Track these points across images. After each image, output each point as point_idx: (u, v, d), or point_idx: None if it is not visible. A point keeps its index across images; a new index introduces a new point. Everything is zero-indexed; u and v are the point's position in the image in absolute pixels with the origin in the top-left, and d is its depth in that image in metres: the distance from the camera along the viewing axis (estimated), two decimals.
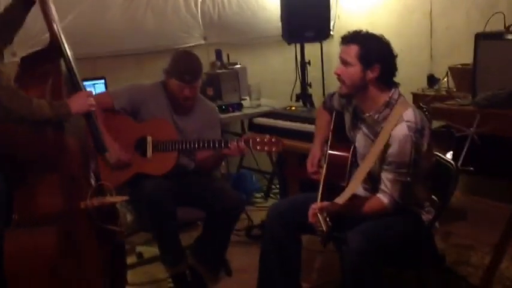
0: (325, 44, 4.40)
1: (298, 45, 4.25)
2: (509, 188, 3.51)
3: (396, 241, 2.03)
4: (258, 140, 2.57)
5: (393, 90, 2.10)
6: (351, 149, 2.21)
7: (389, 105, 2.08)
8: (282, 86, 4.51)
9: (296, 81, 4.37)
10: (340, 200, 1.94)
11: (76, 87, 2.08)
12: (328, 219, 1.82)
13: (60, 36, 2.04)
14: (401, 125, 2.00)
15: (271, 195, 4.22)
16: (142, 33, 3.81)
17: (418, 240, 2.11)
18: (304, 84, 4.25)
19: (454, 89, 3.81)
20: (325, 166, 2.23)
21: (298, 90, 4.38)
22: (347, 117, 2.29)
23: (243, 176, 4.22)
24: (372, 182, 2.12)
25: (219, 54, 4.02)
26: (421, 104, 3.62)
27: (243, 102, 3.86)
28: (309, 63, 4.26)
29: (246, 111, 3.64)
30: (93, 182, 2.14)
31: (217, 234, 2.71)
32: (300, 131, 3.20)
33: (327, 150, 2.27)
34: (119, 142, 2.60)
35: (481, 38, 3.30)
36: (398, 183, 2.01)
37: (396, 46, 4.30)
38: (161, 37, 3.91)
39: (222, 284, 2.86)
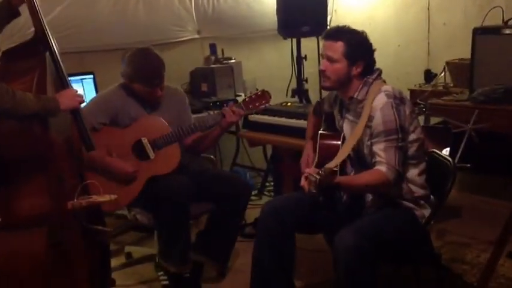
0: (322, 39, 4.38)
1: (294, 40, 4.22)
2: (505, 184, 3.51)
3: (391, 238, 2.02)
4: (247, 100, 2.70)
5: (371, 74, 2.17)
6: (341, 137, 2.27)
7: (366, 83, 2.14)
8: (277, 81, 4.48)
9: (292, 76, 4.35)
10: (332, 164, 1.93)
11: (63, 83, 2.05)
12: (320, 171, 1.81)
13: (46, 30, 2.01)
14: (379, 95, 2.08)
15: (266, 192, 4.21)
16: (133, 27, 3.76)
17: (413, 237, 2.10)
18: (300, 79, 4.22)
19: (451, 85, 3.80)
20: (316, 155, 2.27)
21: (294, 85, 4.36)
22: (335, 112, 2.35)
23: (236, 174, 4.20)
24: (362, 164, 2.14)
25: (213, 48, 4.00)
26: (418, 101, 3.62)
27: (238, 97, 3.84)
28: (305, 58, 4.24)
29: None
30: (79, 181, 2.11)
31: (226, 224, 2.71)
32: (295, 128, 3.19)
33: (318, 140, 2.32)
34: (115, 155, 2.58)
35: (478, 33, 3.30)
36: (391, 150, 2.02)
37: (393, 41, 4.40)
38: (153, 31, 3.86)
39: (216, 284, 2.84)
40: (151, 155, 2.64)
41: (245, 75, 4.08)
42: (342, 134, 2.27)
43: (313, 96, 4.42)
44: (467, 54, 3.80)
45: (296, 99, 4.09)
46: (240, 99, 3.79)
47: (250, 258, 3.02)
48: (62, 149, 2.04)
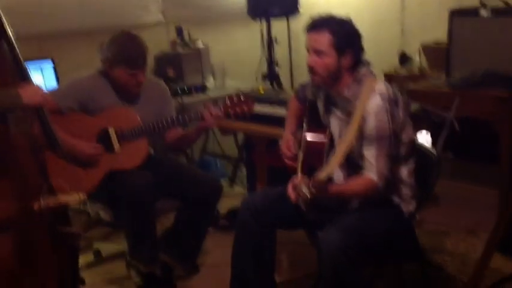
0: (292, 20, 4.29)
1: (264, 22, 4.13)
2: (482, 170, 3.53)
3: (377, 237, 1.99)
4: (227, 103, 2.53)
5: (362, 67, 2.08)
6: (327, 133, 2.19)
7: (357, 79, 2.05)
8: (247, 65, 4.39)
9: (262, 59, 4.26)
10: (322, 174, 1.84)
11: (24, 76, 1.91)
12: (311, 185, 1.74)
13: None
14: (374, 97, 1.98)
15: (237, 181, 4.14)
16: (94, 11, 3.61)
17: (399, 234, 2.07)
18: (271, 63, 4.15)
19: (427, 68, 3.79)
20: (301, 153, 2.19)
21: (264, 69, 4.28)
22: (320, 104, 2.25)
23: (206, 163, 4.12)
24: (353, 167, 2.08)
25: (180, 31, 3.87)
26: (393, 85, 3.59)
27: (206, 82, 3.74)
28: (276, 40, 4.16)
29: (210, 93, 3.53)
30: (44, 179, 1.99)
31: (195, 224, 2.61)
32: (269, 116, 3.12)
33: (303, 137, 2.22)
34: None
35: (455, 15, 3.27)
36: (382, 156, 1.97)
37: (366, 21, 4.30)
38: (115, 14, 3.72)
39: (191, 281, 2.75)
40: (116, 147, 2.53)
41: (213, 59, 3.97)
42: (328, 131, 2.18)
43: (285, 81, 4.36)
44: (442, 35, 3.80)
45: (268, 84, 4.01)
46: (208, 84, 3.70)
47: (225, 253, 2.99)
48: (24, 147, 1.91)
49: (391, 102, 1.98)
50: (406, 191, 2.11)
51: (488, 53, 3.16)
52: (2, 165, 1.79)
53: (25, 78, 1.92)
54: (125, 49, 2.49)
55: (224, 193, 3.91)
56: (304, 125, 2.27)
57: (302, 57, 4.74)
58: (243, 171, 4.18)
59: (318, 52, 2.02)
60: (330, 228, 1.92)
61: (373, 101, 1.97)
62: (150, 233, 2.52)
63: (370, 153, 1.99)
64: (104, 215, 2.60)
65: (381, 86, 2.01)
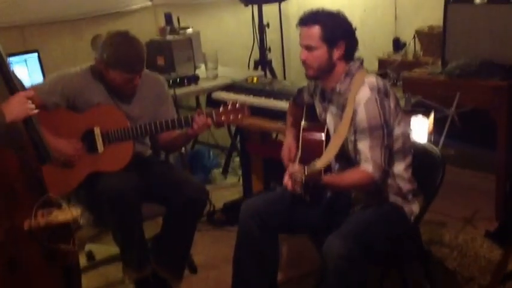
0: (284, 4, 4.23)
1: (255, 7, 4.05)
2: (478, 156, 3.55)
3: (381, 240, 1.99)
4: (221, 110, 2.44)
5: (353, 62, 2.12)
6: (324, 129, 2.21)
7: (349, 73, 2.09)
8: (238, 50, 4.33)
9: (254, 45, 4.20)
10: (318, 164, 1.88)
11: (9, 87, 1.83)
12: (305, 170, 1.78)
13: None
14: (363, 88, 2.02)
15: (230, 170, 4.12)
16: None
17: (403, 236, 2.08)
18: (263, 49, 4.09)
19: (421, 53, 3.77)
20: (299, 149, 2.20)
21: (256, 55, 4.22)
22: (316, 102, 2.27)
23: (199, 153, 4.09)
24: (348, 162, 2.09)
25: (169, 18, 3.78)
26: (388, 71, 3.58)
27: (198, 70, 3.67)
28: (268, 25, 4.09)
29: (203, 84, 3.45)
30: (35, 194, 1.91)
31: (179, 232, 2.54)
32: (264, 108, 3.07)
33: (301, 135, 2.24)
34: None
35: (450, 2, 3.24)
36: (377, 147, 1.99)
37: (359, 6, 4.29)
38: (100, 0, 3.62)
39: (187, 283, 2.69)
40: (100, 148, 2.45)
41: (204, 46, 3.90)
42: (326, 127, 2.20)
43: (277, 67, 4.32)
44: (436, 21, 3.78)
45: (260, 72, 3.96)
46: (200, 72, 3.63)
47: (222, 250, 2.98)
48: (13, 162, 1.81)
49: (380, 93, 2.01)
50: (405, 187, 2.11)
51: (484, 41, 3.14)
52: None
53: (11, 91, 1.83)
54: (123, 54, 2.38)
55: (217, 184, 3.96)
56: (302, 124, 2.28)
57: (294, 42, 4.75)
58: (235, 161, 4.17)
59: (308, 47, 2.06)
60: (333, 235, 1.91)
61: (362, 92, 2.02)
62: (137, 237, 2.46)
63: (363, 145, 2.00)
64: (83, 219, 2.51)
65: (371, 78, 2.05)
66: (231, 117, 2.44)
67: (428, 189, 2.14)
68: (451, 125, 2.79)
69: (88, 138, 2.46)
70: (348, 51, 2.08)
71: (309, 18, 2.06)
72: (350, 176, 2.02)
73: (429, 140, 2.76)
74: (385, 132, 1.99)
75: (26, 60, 3.11)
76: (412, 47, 3.82)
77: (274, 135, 3.62)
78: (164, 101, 2.65)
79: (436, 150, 2.19)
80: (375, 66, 3.88)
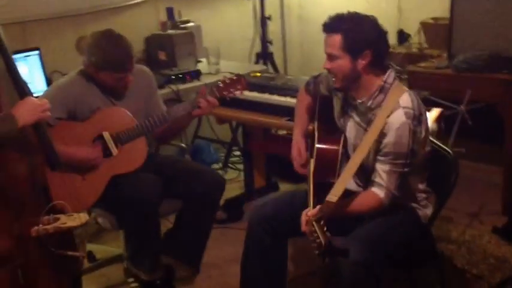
0: None
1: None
2: (484, 149, 3.53)
3: (397, 246, 1.96)
4: (221, 86, 2.50)
5: (388, 72, 1.99)
6: (341, 141, 2.08)
7: (383, 90, 1.96)
8: (239, 43, 4.30)
9: (255, 38, 4.17)
10: (333, 197, 1.82)
11: (20, 91, 1.81)
12: (325, 228, 1.71)
13: None
14: (397, 111, 1.90)
15: (230, 164, 4.10)
16: None
17: (416, 240, 2.05)
18: (265, 42, 4.07)
19: (426, 46, 3.74)
20: (312, 162, 2.08)
21: (257, 48, 4.19)
22: (336, 103, 2.16)
23: (199, 148, 4.05)
24: (365, 175, 2.02)
25: (170, 13, 3.74)
26: (392, 64, 3.54)
27: (199, 65, 3.64)
28: (270, 18, 4.06)
29: (205, 79, 3.42)
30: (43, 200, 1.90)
31: (198, 223, 2.55)
32: (267, 104, 3.05)
33: (313, 144, 2.12)
34: None
35: None
36: (395, 174, 1.92)
37: None
38: None
39: (188, 283, 2.66)
40: (114, 151, 2.43)
41: (205, 40, 3.86)
42: (343, 136, 2.08)
43: (278, 59, 4.29)
44: (441, 12, 3.75)
45: (263, 66, 3.93)
46: (202, 67, 3.60)
47: (225, 250, 2.95)
48: (22, 168, 1.80)
49: (415, 120, 1.91)
50: (420, 195, 2.08)
51: (491, 34, 3.12)
52: None
53: (22, 94, 1.82)
54: (110, 54, 2.34)
55: None
56: (316, 128, 2.17)
57: (295, 34, 4.70)
58: (235, 155, 4.14)
59: (330, 56, 1.95)
60: (349, 241, 1.88)
61: (396, 116, 1.90)
62: (154, 240, 2.47)
63: (382, 168, 1.93)
64: (105, 222, 2.50)
65: (406, 98, 1.93)
66: (231, 89, 2.50)
67: (441, 190, 2.11)
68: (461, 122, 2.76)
69: (99, 144, 2.44)
70: (375, 60, 1.93)
71: (331, 25, 1.92)
72: (359, 204, 1.95)
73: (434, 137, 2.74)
74: (407, 161, 1.92)
75: (27, 58, 3.07)
76: (417, 39, 3.79)
77: (274, 130, 3.59)
78: (154, 92, 2.66)
79: (449, 151, 2.14)
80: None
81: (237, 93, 2.53)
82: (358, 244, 1.85)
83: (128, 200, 2.34)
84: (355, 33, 1.89)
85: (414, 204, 2.07)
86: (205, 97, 2.45)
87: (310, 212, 1.83)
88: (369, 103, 1.98)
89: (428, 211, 2.09)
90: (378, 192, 1.93)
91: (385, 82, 1.96)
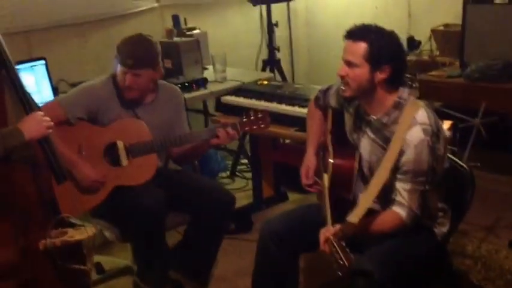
0: (292, 2, 4.17)
1: (263, 6, 4.00)
2: (498, 159, 3.49)
3: (412, 264, 1.94)
4: (244, 120, 2.49)
5: (401, 89, 1.97)
6: (356, 157, 2.05)
7: (398, 106, 1.94)
8: (246, 50, 4.28)
9: (262, 44, 4.15)
10: (355, 218, 1.80)
11: (26, 106, 1.81)
12: (348, 249, 1.68)
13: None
14: (415, 128, 1.88)
15: (237, 173, 4.07)
16: None
17: (434, 260, 2.03)
18: (272, 49, 4.03)
19: (437, 52, 3.71)
20: (327, 177, 2.05)
21: (264, 54, 4.17)
22: (348, 118, 2.13)
23: (206, 156, 4.01)
24: (383, 193, 1.97)
25: (176, 20, 3.71)
26: (407, 79, 3.51)
27: (205, 72, 3.61)
28: (277, 24, 4.03)
29: (211, 87, 3.39)
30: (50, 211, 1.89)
31: (206, 238, 2.53)
32: (275, 113, 3.01)
33: (326, 157, 2.10)
34: (84, 154, 2.39)
35: (469, 2, 3.18)
36: (416, 193, 1.89)
37: (371, 3, 4.22)
38: (106, 2, 3.56)
39: None
40: (124, 162, 2.43)
41: (211, 47, 3.84)
42: (359, 154, 2.05)
43: (285, 66, 4.26)
44: (452, 19, 3.72)
45: (269, 74, 3.89)
46: (208, 75, 3.57)
47: (233, 262, 2.93)
48: (26, 180, 1.80)
49: (434, 136, 1.88)
50: (436, 213, 2.05)
51: (504, 42, 3.09)
52: (3, 208, 1.70)
53: (27, 110, 1.82)
54: (124, 46, 2.42)
55: (226, 188, 3.89)
56: (330, 144, 2.13)
57: (302, 41, 4.68)
58: (242, 163, 4.12)
59: (349, 63, 1.93)
60: (364, 259, 1.86)
61: (414, 133, 1.88)
62: (160, 255, 2.45)
63: (403, 187, 1.90)
64: (110, 234, 2.48)
65: (423, 114, 1.90)
66: (254, 127, 2.49)
67: (456, 207, 2.08)
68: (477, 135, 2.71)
69: (111, 152, 2.45)
70: (392, 77, 1.91)
71: (357, 33, 1.90)
72: (381, 224, 1.92)
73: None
74: (428, 179, 1.89)
75: (32, 68, 3.06)
76: (427, 46, 3.76)
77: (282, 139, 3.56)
78: (180, 113, 2.65)
79: (465, 167, 2.11)
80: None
81: (259, 130, 2.53)
82: (372, 261, 1.83)
83: (128, 210, 2.32)
84: (380, 44, 1.88)
85: (429, 222, 2.04)
86: (225, 128, 2.44)
87: (330, 231, 1.80)
88: (385, 120, 1.96)
89: (444, 229, 2.06)
90: (400, 211, 1.90)
91: (400, 98, 1.95)
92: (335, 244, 1.70)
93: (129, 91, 2.45)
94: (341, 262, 1.66)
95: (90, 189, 2.36)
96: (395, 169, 1.90)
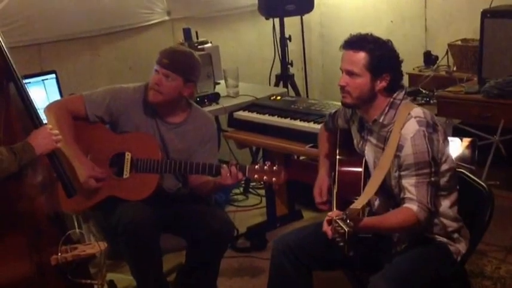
0: (306, 16, 4.16)
1: (276, 19, 3.99)
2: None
3: (426, 283, 1.91)
4: (256, 167, 2.32)
5: (397, 92, 2.02)
6: (363, 162, 2.12)
7: (393, 105, 2.00)
8: (258, 64, 4.27)
9: (275, 58, 4.13)
10: (358, 205, 1.81)
11: (34, 120, 1.82)
12: (349, 221, 1.68)
13: (7, 56, 1.75)
14: (410, 121, 1.94)
15: (251, 190, 4.04)
16: (95, 12, 3.46)
17: (450, 278, 1.99)
18: (285, 63, 4.02)
19: (454, 68, 3.68)
20: (335, 185, 2.11)
21: (277, 69, 4.15)
22: (354, 131, 2.19)
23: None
24: (390, 197, 2.01)
25: (187, 33, 3.70)
26: (420, 88, 3.48)
27: (217, 87, 3.60)
28: (290, 39, 4.02)
29: (224, 102, 3.38)
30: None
31: (203, 265, 2.47)
32: (289, 129, 3.00)
33: (336, 167, 2.16)
34: (91, 156, 2.41)
35: (487, 16, 3.14)
36: (423, 185, 1.89)
37: (386, 17, 4.21)
38: (118, 15, 3.58)
39: None
40: (126, 173, 2.42)
41: (223, 61, 3.83)
42: (364, 160, 2.11)
43: (298, 81, 4.24)
44: (469, 33, 3.69)
45: (283, 89, 3.87)
46: (220, 90, 3.56)
47: (245, 279, 2.89)
48: (36, 195, 1.82)
49: (429, 126, 1.92)
50: (451, 226, 2.02)
51: None
52: (15, 222, 1.70)
53: (36, 124, 1.84)
54: (168, 49, 2.48)
55: (239, 205, 3.87)
56: (337, 154, 2.20)
57: (316, 55, 4.67)
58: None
59: (349, 73, 1.97)
60: (377, 277, 1.83)
61: (409, 126, 1.93)
62: (154, 274, 2.40)
63: (408, 183, 1.91)
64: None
65: (418, 110, 1.98)
66: (265, 178, 2.29)
67: (474, 227, 2.04)
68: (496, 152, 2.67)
69: (117, 161, 2.44)
70: (391, 85, 1.99)
71: (356, 43, 1.97)
72: (393, 217, 1.92)
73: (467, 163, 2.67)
74: (432, 170, 1.90)
75: (43, 81, 3.06)
76: (444, 61, 3.73)
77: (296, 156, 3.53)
78: (207, 143, 2.57)
79: (482, 183, 2.08)
80: (405, 81, 3.78)
81: (270, 183, 2.33)
82: (387, 280, 1.82)
83: (118, 228, 2.27)
84: (380, 53, 1.95)
85: (445, 239, 2.01)
86: (232, 169, 2.30)
87: (334, 213, 1.82)
88: (381, 119, 2.01)
89: (461, 247, 2.03)
90: (411, 206, 1.89)
91: (395, 98, 2.00)
92: (337, 220, 1.70)
93: (153, 92, 2.43)
94: (341, 231, 1.67)
95: (85, 186, 2.32)
96: (398, 167, 1.92)
